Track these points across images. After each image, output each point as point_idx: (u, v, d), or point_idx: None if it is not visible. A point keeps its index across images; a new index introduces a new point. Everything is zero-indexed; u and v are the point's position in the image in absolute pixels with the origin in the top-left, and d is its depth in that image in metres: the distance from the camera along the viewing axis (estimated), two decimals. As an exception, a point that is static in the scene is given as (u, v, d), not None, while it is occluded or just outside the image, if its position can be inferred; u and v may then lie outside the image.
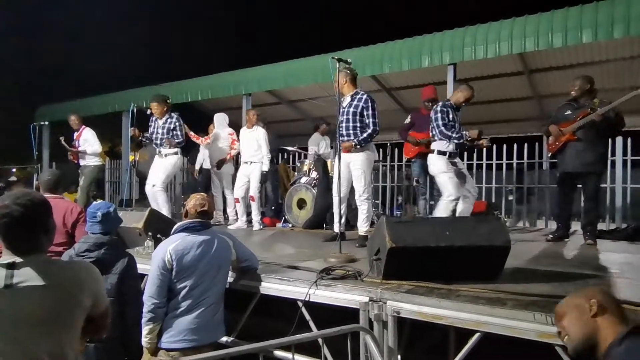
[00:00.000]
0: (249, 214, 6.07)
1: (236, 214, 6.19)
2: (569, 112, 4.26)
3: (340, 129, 4.13)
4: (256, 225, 5.83)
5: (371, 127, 4.13)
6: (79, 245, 2.45)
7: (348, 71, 4.18)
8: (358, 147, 4.14)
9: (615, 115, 4.08)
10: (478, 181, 4.47)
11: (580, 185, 4.48)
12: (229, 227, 5.94)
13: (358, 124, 4.14)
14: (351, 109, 4.15)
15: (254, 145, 5.83)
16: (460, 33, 5.76)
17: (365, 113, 4.13)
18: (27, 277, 1.39)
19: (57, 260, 1.68)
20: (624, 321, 1.39)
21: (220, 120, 6.65)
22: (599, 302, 1.40)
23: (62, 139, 6.86)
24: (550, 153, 4.60)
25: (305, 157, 7.27)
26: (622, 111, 4.17)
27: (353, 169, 4.21)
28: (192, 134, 6.19)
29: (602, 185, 5.93)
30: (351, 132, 4.14)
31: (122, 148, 9.56)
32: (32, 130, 6.93)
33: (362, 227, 4.26)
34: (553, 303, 1.45)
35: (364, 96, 4.17)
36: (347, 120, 4.15)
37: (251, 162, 5.82)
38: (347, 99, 4.21)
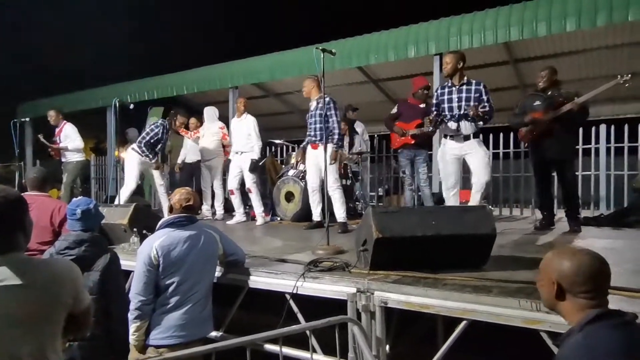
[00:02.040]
0: (247, 205, 5.96)
1: (222, 207, 6.12)
2: (538, 102, 4.29)
3: (311, 130, 4.76)
4: (259, 219, 5.56)
5: (338, 129, 4.60)
6: (59, 243, 2.40)
7: (315, 77, 4.68)
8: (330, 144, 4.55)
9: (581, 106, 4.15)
10: (465, 171, 4.49)
11: (554, 174, 4.54)
12: (227, 222, 5.71)
13: (324, 125, 4.51)
14: (318, 112, 4.64)
15: (244, 135, 5.58)
16: (445, 23, 5.76)
17: (328, 113, 4.53)
18: (4, 276, 1.35)
19: (34, 259, 1.64)
20: (590, 307, 1.25)
21: (210, 114, 6.54)
22: (559, 286, 1.29)
23: (40, 136, 6.66)
24: (525, 142, 4.65)
25: (293, 149, 7.19)
26: (599, 100, 4.22)
27: (323, 162, 4.32)
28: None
29: (585, 172, 6.05)
30: (318, 132, 4.64)
31: (107, 144, 9.42)
32: (13, 127, 6.74)
33: (339, 213, 4.65)
34: (538, 290, 1.44)
35: (327, 98, 4.54)
36: (316, 122, 4.69)
37: (242, 152, 5.57)
38: (314, 103, 4.73)
